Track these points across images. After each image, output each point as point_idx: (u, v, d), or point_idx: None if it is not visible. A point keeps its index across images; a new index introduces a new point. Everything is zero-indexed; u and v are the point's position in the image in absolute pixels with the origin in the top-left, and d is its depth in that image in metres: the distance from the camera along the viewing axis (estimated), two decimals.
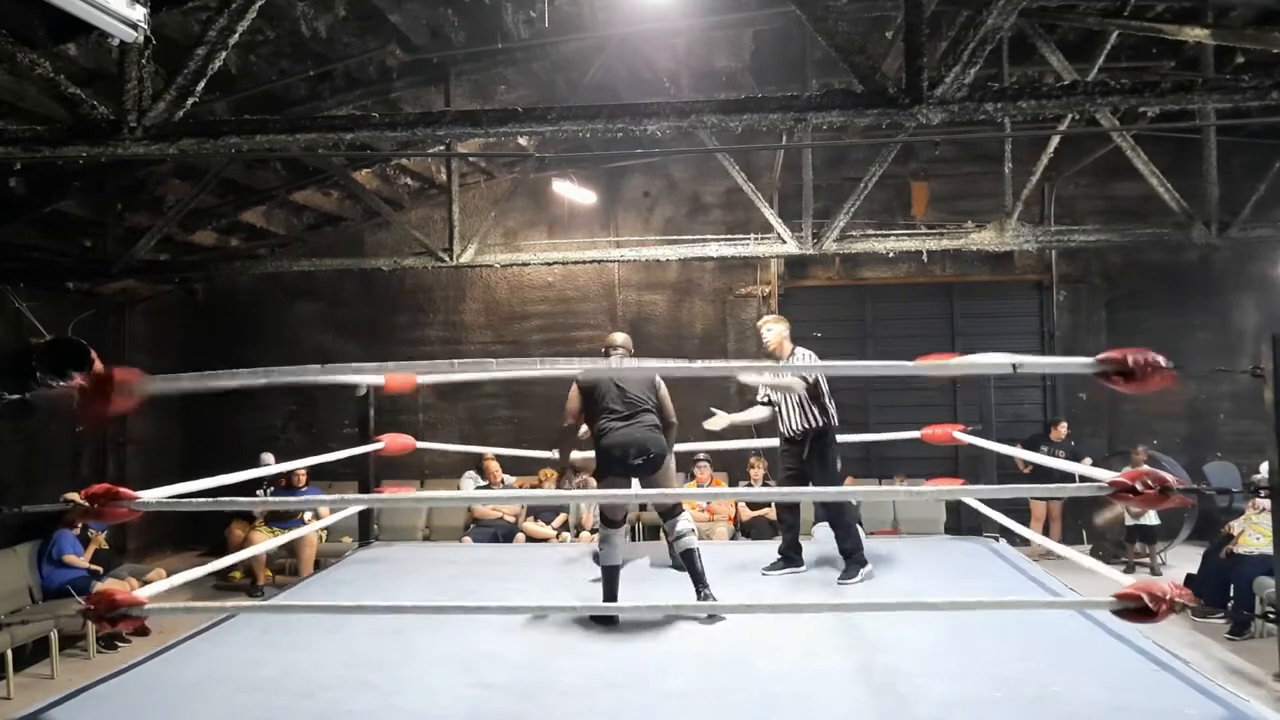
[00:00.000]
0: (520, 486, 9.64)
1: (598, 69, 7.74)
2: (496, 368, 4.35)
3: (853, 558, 5.04)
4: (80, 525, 7.49)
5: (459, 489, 10.08)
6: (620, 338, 4.85)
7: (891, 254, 8.97)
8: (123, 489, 3.42)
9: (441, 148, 8.99)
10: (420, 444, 6.50)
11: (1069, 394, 10.70)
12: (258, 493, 9.05)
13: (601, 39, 7.52)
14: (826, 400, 5.14)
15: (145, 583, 7.34)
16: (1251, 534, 7.13)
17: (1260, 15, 6.90)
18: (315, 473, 8.96)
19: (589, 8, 7.13)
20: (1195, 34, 6.44)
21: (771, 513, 7.84)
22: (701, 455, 8.84)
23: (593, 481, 4.83)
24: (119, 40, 3.61)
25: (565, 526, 9.00)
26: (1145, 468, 3.29)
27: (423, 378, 6.47)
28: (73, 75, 4.25)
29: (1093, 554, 9.50)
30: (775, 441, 5.42)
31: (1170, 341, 10.06)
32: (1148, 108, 4.01)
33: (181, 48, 4.05)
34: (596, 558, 5.17)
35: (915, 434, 6.22)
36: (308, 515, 9.15)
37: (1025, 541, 5.85)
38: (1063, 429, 9.69)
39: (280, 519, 9.20)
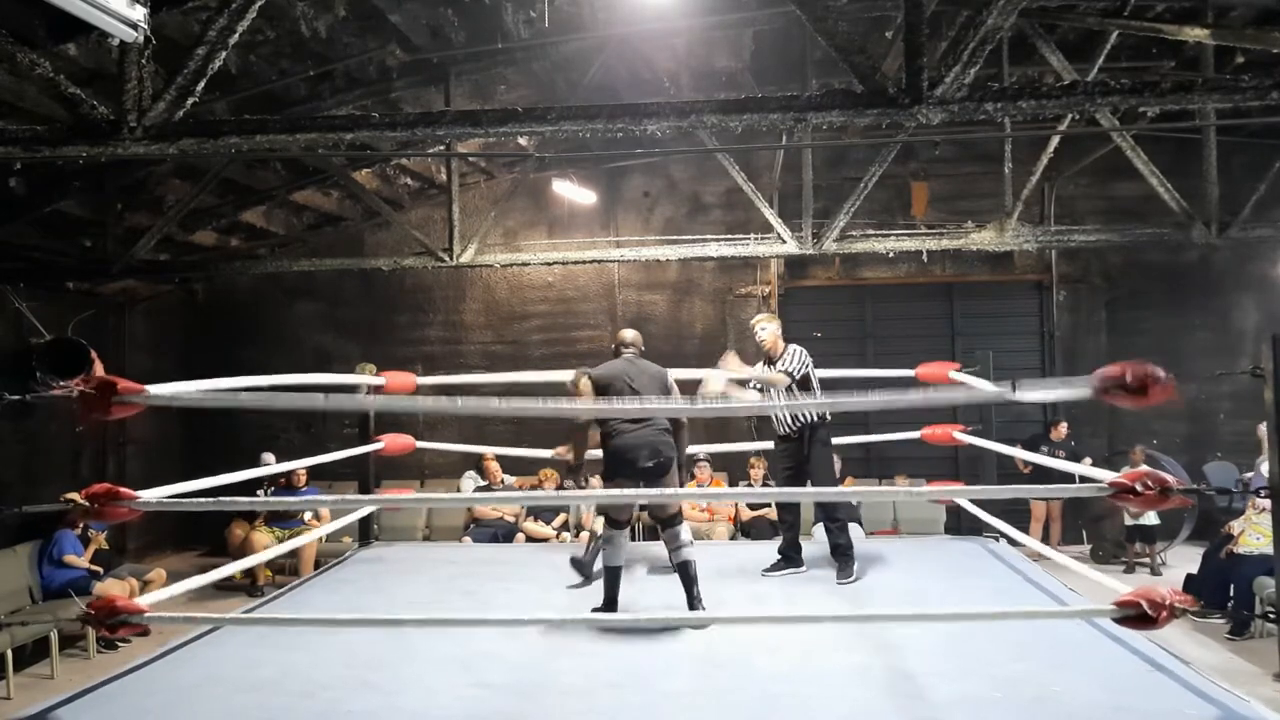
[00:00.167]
0: (520, 487, 9.63)
1: (598, 69, 7.74)
2: (499, 404, 4.29)
3: (848, 555, 5.06)
4: (81, 525, 7.49)
5: (459, 489, 10.07)
6: (631, 335, 4.80)
7: (891, 254, 8.98)
8: (123, 489, 3.42)
9: (441, 148, 8.99)
10: (420, 444, 6.50)
11: None
12: (258, 493, 9.05)
13: (601, 39, 7.52)
14: (819, 395, 5.15)
15: (145, 583, 7.36)
16: (1251, 534, 7.12)
17: (1260, 15, 6.90)
18: (315, 473, 8.95)
19: (589, 8, 7.13)
20: (1195, 34, 6.43)
21: (772, 513, 7.85)
22: (701, 456, 8.83)
23: (598, 482, 4.83)
24: (119, 40, 3.61)
25: (565, 526, 8.99)
26: (1144, 468, 3.28)
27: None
28: (73, 75, 4.25)
29: (1092, 554, 9.53)
30: (772, 444, 5.43)
31: (1170, 341, 10.09)
32: (1148, 108, 4.00)
33: (181, 48, 4.05)
34: (574, 561, 5.16)
35: (915, 434, 6.23)
36: (308, 517, 9.16)
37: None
38: (1063, 429, 9.69)
39: (281, 519, 9.19)
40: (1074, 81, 4.99)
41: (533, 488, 9.09)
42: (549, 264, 9.04)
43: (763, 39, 8.16)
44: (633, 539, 7.99)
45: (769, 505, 8.20)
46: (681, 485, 4.74)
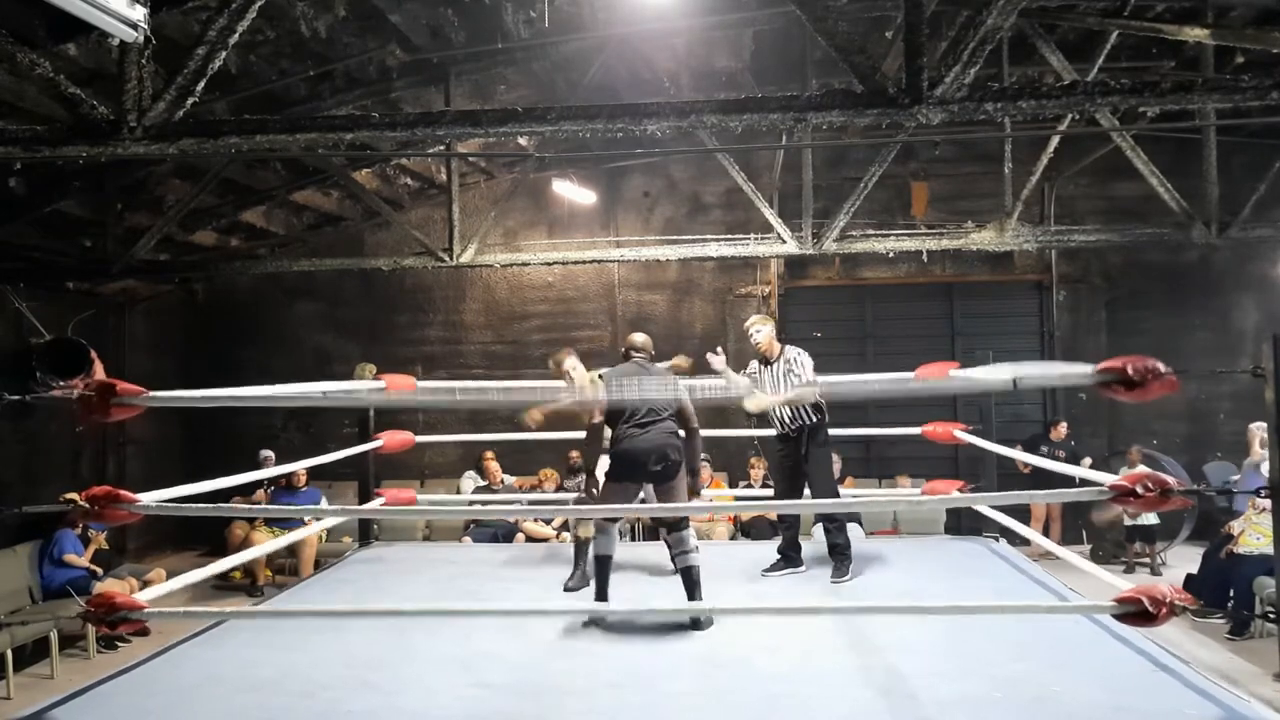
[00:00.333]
0: (520, 487, 9.62)
1: (598, 69, 7.74)
2: (459, 394, 4.29)
3: (845, 555, 5.07)
4: (81, 525, 7.49)
5: (459, 489, 10.07)
6: (641, 339, 4.78)
7: (891, 254, 8.97)
8: (123, 491, 3.43)
9: (441, 148, 8.99)
10: (419, 438, 6.50)
11: (1069, 394, 10.69)
12: (258, 492, 9.06)
13: (601, 39, 7.51)
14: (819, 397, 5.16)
15: (145, 583, 7.35)
16: (1251, 534, 7.13)
17: (1260, 15, 6.90)
18: (315, 473, 8.92)
19: (589, 8, 7.13)
20: (1195, 34, 6.43)
21: (772, 513, 7.84)
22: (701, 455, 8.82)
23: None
24: (119, 40, 3.61)
25: (565, 526, 8.98)
26: (1142, 469, 3.29)
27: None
28: (73, 75, 4.25)
29: (1092, 554, 9.51)
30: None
31: (1170, 341, 10.08)
32: (1148, 108, 4.01)
33: (181, 48, 4.05)
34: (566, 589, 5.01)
35: (916, 430, 6.23)
36: (307, 518, 9.16)
37: (1025, 541, 5.85)
38: (1062, 429, 9.69)
39: (280, 520, 9.19)
40: (1074, 81, 4.99)
41: (533, 488, 9.08)
42: (549, 264, 9.04)
43: (763, 39, 8.16)
44: (632, 539, 8.02)
45: None
46: (696, 491, 4.71)
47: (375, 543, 6.46)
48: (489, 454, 9.64)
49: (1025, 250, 9.33)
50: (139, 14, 3.49)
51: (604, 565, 4.38)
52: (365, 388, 5.77)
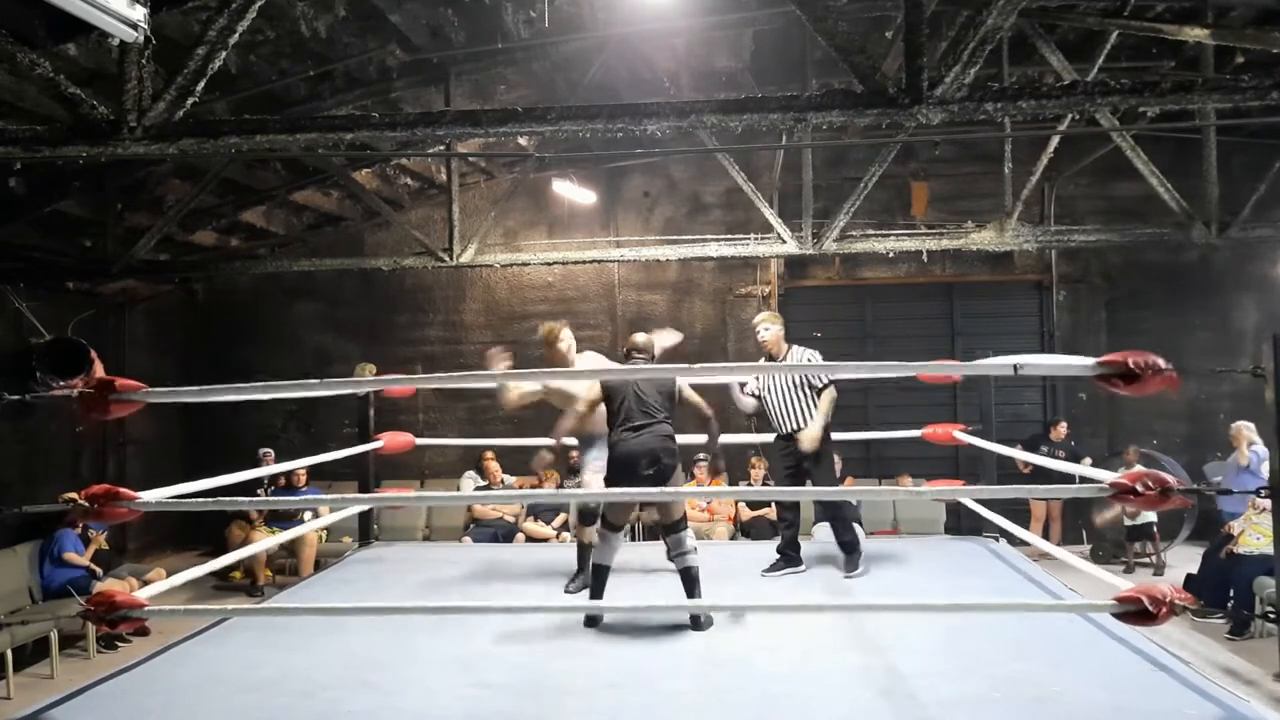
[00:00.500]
0: (520, 486, 9.63)
1: (598, 69, 7.74)
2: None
3: (856, 549, 5.07)
4: (81, 525, 7.49)
5: (459, 489, 10.08)
6: (642, 339, 4.73)
7: (891, 254, 8.98)
8: (123, 489, 3.43)
9: (441, 148, 8.99)
10: (419, 440, 6.50)
11: (1069, 394, 10.70)
12: (258, 492, 9.05)
13: (601, 39, 7.51)
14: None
15: (145, 583, 7.35)
16: (1251, 534, 7.13)
17: (1260, 15, 6.90)
18: (315, 472, 8.96)
19: (589, 8, 7.13)
20: (1195, 34, 6.43)
21: (772, 513, 7.84)
22: (701, 455, 8.83)
23: (593, 480, 4.81)
24: (119, 40, 3.61)
25: (565, 526, 8.99)
26: (1140, 468, 3.30)
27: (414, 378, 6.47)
28: (73, 75, 4.25)
29: (1092, 554, 9.53)
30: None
31: (1170, 341, 10.07)
32: (1148, 108, 4.00)
33: (181, 48, 4.05)
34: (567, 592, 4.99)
35: (916, 433, 6.23)
36: (307, 514, 9.16)
37: (1025, 541, 5.85)
38: (1062, 429, 9.69)
39: (280, 519, 9.20)
40: (1074, 81, 4.99)
41: (533, 487, 9.09)
42: (549, 264, 9.04)
43: (763, 39, 8.16)
44: (631, 539, 8.02)
45: (769, 505, 8.20)
46: (719, 471, 4.79)
47: (375, 543, 6.45)
48: (489, 454, 9.64)
49: (1025, 250, 9.33)
50: (139, 14, 3.49)
51: (601, 575, 4.36)
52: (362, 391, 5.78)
